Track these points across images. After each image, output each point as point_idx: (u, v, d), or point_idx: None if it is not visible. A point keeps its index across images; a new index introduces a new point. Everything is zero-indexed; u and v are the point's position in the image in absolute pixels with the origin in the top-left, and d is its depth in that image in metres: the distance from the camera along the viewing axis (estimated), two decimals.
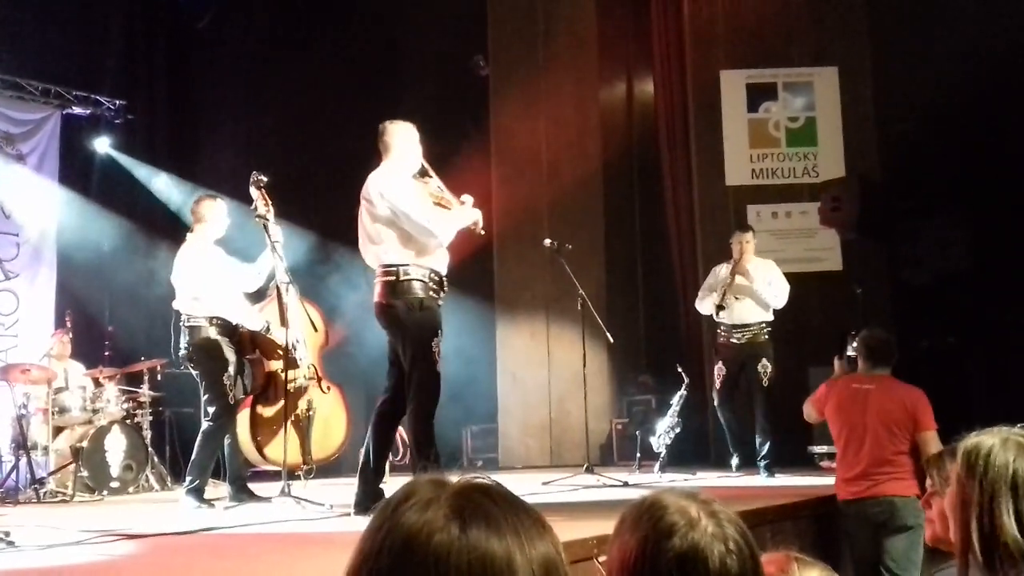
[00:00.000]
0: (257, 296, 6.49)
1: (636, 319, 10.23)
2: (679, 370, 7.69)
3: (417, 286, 5.00)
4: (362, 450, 5.16)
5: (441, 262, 5.17)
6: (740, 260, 7.51)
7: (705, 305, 7.67)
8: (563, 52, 10.22)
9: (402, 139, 5.28)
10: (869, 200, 8.51)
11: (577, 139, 10.12)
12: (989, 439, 1.97)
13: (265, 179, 5.89)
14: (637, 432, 8.33)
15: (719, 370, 7.56)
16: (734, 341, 7.51)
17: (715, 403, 7.62)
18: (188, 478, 6.18)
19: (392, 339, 5.12)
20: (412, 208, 4.99)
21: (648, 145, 10.45)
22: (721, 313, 7.47)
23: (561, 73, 10.19)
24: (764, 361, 7.41)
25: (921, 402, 4.92)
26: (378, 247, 5.07)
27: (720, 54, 9.64)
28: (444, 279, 5.16)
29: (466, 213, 5.28)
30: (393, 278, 5.01)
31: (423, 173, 5.36)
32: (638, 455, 7.97)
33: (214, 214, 6.36)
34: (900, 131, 9.12)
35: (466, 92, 10.77)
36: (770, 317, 7.52)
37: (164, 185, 10.58)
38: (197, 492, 6.08)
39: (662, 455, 7.42)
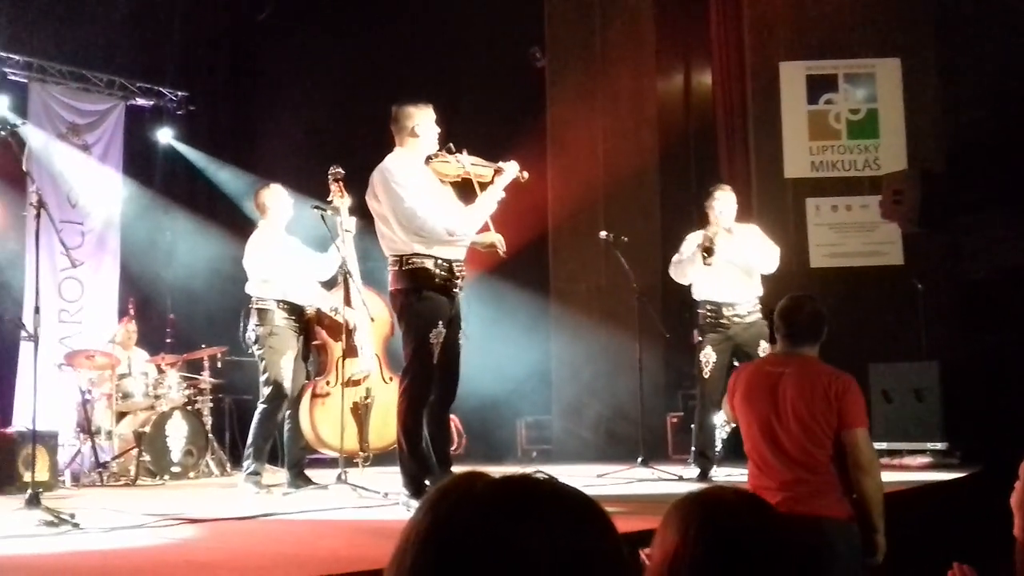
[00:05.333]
0: (328, 286, 6.58)
1: (692, 312, 10.16)
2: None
3: (421, 274, 4.95)
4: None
5: (453, 249, 5.06)
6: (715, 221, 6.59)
7: (687, 265, 6.59)
8: (620, 43, 10.16)
9: (415, 123, 5.17)
10: (931, 193, 8.35)
11: (634, 131, 10.06)
12: None
13: (342, 172, 6.03)
14: (692, 426, 8.27)
15: (706, 356, 6.61)
16: (723, 321, 6.58)
17: (701, 399, 6.75)
18: (245, 463, 6.30)
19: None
20: (404, 200, 4.94)
21: (706, 137, 10.35)
22: (705, 288, 6.57)
23: (618, 64, 10.13)
24: (764, 345, 6.31)
25: (849, 391, 3.73)
26: (386, 235, 5.06)
27: (780, 45, 9.51)
28: (455, 266, 5.04)
29: (488, 203, 5.15)
30: (398, 267, 5.00)
31: (448, 151, 5.25)
32: (693, 449, 7.91)
33: (275, 200, 6.49)
34: (964, 122, 8.94)
35: (522, 84, 10.75)
36: (760, 291, 6.60)
37: (225, 176, 10.74)
38: (256, 477, 6.19)
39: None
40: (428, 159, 5.24)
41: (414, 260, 4.96)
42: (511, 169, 5.26)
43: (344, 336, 6.09)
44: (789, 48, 9.49)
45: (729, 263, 6.53)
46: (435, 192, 5.16)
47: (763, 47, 9.55)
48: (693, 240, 6.76)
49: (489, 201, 5.17)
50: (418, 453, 4.96)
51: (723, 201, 6.70)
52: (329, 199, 6.10)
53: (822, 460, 3.72)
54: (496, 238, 5.13)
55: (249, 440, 6.32)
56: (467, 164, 5.23)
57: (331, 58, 10.86)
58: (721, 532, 1.56)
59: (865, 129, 9.39)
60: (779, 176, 9.33)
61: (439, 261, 4.99)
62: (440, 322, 4.95)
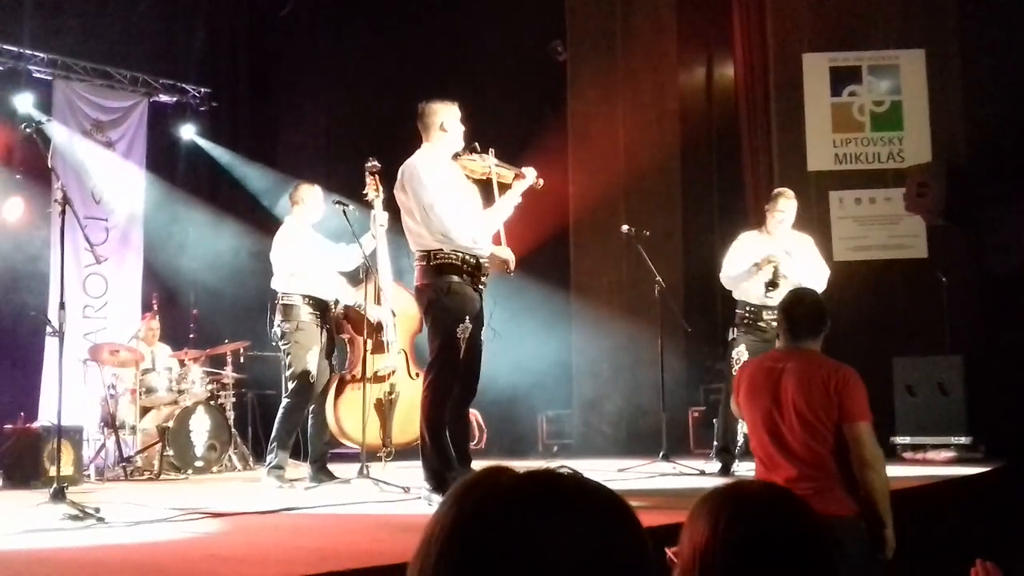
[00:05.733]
0: (353, 281, 6.62)
1: (714, 306, 10.11)
2: None
3: (448, 270, 4.98)
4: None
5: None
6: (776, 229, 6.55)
7: (742, 280, 6.55)
8: (642, 36, 10.12)
9: (441, 120, 5.21)
10: (956, 185, 8.28)
11: (655, 124, 10.02)
12: None
13: (379, 165, 6.07)
14: (714, 420, 8.24)
15: (739, 354, 6.54)
16: (762, 324, 6.52)
17: (726, 395, 6.38)
18: (268, 457, 6.34)
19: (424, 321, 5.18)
20: (433, 202, 4.96)
21: (728, 130, 10.31)
22: (749, 291, 6.52)
23: (640, 57, 10.09)
24: None
25: (850, 384, 3.68)
26: (413, 229, 5.08)
27: (803, 37, 9.44)
28: (482, 262, 5.10)
29: (506, 207, 5.19)
30: (425, 262, 5.03)
31: (473, 151, 5.31)
32: (715, 443, 7.88)
33: (311, 198, 6.58)
34: (989, 114, 8.86)
35: (544, 78, 10.74)
36: None
37: (247, 171, 10.80)
38: (278, 471, 6.22)
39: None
40: (456, 155, 5.29)
41: (441, 255, 4.99)
42: (530, 175, 5.32)
43: (369, 331, 6.11)
44: (812, 40, 9.42)
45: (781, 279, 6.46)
46: (461, 188, 5.21)
47: (786, 39, 9.48)
48: (748, 247, 6.66)
49: (507, 206, 5.23)
50: (441, 447, 4.98)
51: (788, 211, 6.63)
52: (364, 192, 6.15)
53: (824, 455, 3.67)
54: (509, 255, 5.18)
55: (272, 434, 6.37)
56: (492, 165, 5.31)
57: (352, 54, 10.87)
58: (752, 526, 1.56)
59: (889, 121, 9.31)
60: (802, 169, 9.26)
61: (466, 256, 5.03)
62: (467, 317, 5.00)
